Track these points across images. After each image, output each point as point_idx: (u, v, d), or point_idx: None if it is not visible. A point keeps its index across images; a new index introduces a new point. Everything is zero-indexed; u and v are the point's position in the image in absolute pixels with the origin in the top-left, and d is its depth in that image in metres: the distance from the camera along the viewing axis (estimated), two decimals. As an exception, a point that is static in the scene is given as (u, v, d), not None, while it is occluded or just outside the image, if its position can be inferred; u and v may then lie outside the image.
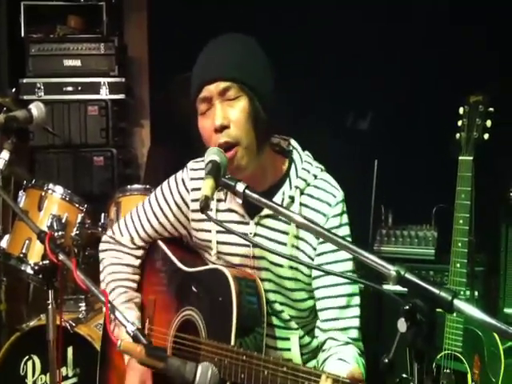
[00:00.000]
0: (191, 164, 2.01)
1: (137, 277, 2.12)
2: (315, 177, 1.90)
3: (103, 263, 2.14)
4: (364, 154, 3.52)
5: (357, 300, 1.87)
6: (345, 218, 1.89)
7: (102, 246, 2.17)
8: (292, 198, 1.87)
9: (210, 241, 1.95)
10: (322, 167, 1.94)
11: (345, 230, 1.89)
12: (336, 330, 1.84)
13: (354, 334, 1.85)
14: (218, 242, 1.94)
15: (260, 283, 1.86)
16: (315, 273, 1.87)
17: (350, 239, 1.89)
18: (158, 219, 2.04)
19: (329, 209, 1.86)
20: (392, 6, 3.70)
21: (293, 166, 1.91)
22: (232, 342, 1.71)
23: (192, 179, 1.99)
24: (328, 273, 1.82)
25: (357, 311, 1.86)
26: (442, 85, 3.54)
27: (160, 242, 2.08)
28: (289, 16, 3.92)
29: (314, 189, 1.89)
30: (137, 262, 2.12)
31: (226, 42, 1.85)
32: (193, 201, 1.97)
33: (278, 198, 1.87)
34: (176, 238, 2.09)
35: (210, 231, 1.95)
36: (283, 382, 1.58)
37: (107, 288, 2.06)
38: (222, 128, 1.75)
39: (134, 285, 2.10)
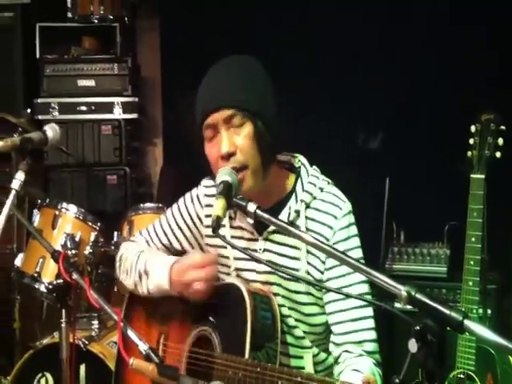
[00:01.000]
0: (205, 181, 2.05)
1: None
2: (321, 190, 1.91)
3: (125, 257, 2.09)
4: (375, 171, 3.51)
5: (370, 311, 1.84)
6: (353, 230, 1.88)
7: (118, 254, 2.16)
8: (298, 212, 1.87)
9: (226, 257, 1.96)
10: (329, 180, 1.95)
11: (353, 242, 1.88)
12: (350, 344, 1.82)
13: (370, 347, 1.82)
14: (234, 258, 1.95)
15: (275, 301, 1.86)
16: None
17: (360, 250, 1.89)
18: (172, 230, 2.08)
19: (335, 222, 1.86)
20: (392, 6, 3.68)
21: (299, 180, 1.93)
22: (246, 357, 1.72)
23: (206, 195, 2.02)
24: (338, 293, 1.81)
25: (371, 323, 1.83)
26: (442, 85, 3.53)
27: None
28: (289, 16, 3.92)
29: (320, 202, 1.89)
30: None
31: (226, 67, 1.86)
32: (206, 216, 2.00)
33: (284, 213, 1.89)
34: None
35: (225, 247, 1.96)
36: None
37: (139, 261, 2.01)
38: (229, 155, 1.78)
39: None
